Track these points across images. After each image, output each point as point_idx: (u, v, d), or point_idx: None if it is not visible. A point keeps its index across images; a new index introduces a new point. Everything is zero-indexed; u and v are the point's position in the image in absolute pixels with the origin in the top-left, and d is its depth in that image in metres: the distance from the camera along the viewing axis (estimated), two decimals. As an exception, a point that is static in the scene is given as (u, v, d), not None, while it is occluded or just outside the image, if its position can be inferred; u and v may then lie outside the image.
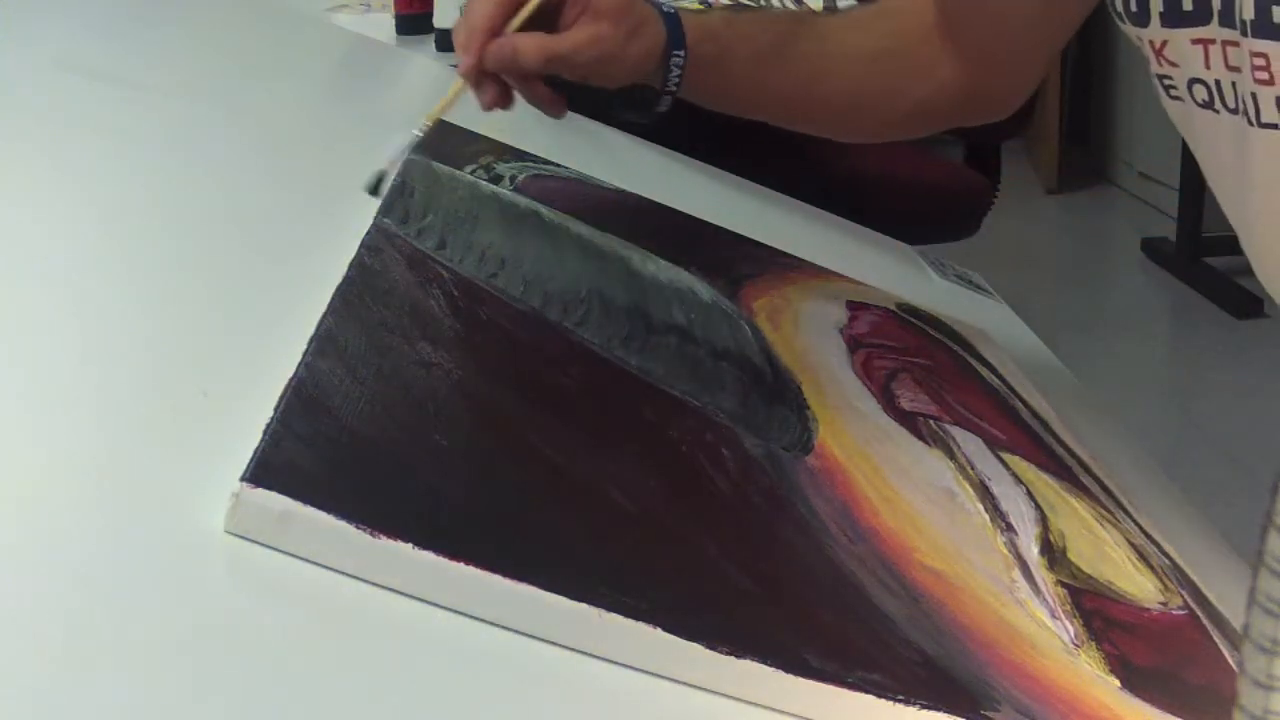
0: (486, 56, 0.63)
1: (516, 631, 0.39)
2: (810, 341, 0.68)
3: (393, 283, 0.55)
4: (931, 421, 0.64)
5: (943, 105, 0.79)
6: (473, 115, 0.73)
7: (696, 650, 0.40)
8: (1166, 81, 0.65)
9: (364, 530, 0.38)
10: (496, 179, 0.72)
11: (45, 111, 0.68)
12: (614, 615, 0.39)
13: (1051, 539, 0.58)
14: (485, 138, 0.80)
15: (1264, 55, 0.57)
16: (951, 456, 0.61)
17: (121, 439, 0.42)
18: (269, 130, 0.77)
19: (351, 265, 0.54)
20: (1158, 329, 3.05)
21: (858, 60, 0.78)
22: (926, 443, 0.62)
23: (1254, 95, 0.60)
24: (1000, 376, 0.77)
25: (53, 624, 0.34)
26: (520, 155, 0.79)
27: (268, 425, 0.40)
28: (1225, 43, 0.60)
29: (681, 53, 0.69)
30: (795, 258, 0.83)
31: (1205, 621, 0.58)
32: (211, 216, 0.61)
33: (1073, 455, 0.70)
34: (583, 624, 0.39)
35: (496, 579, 0.38)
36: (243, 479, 0.38)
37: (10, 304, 0.48)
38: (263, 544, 0.38)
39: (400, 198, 0.63)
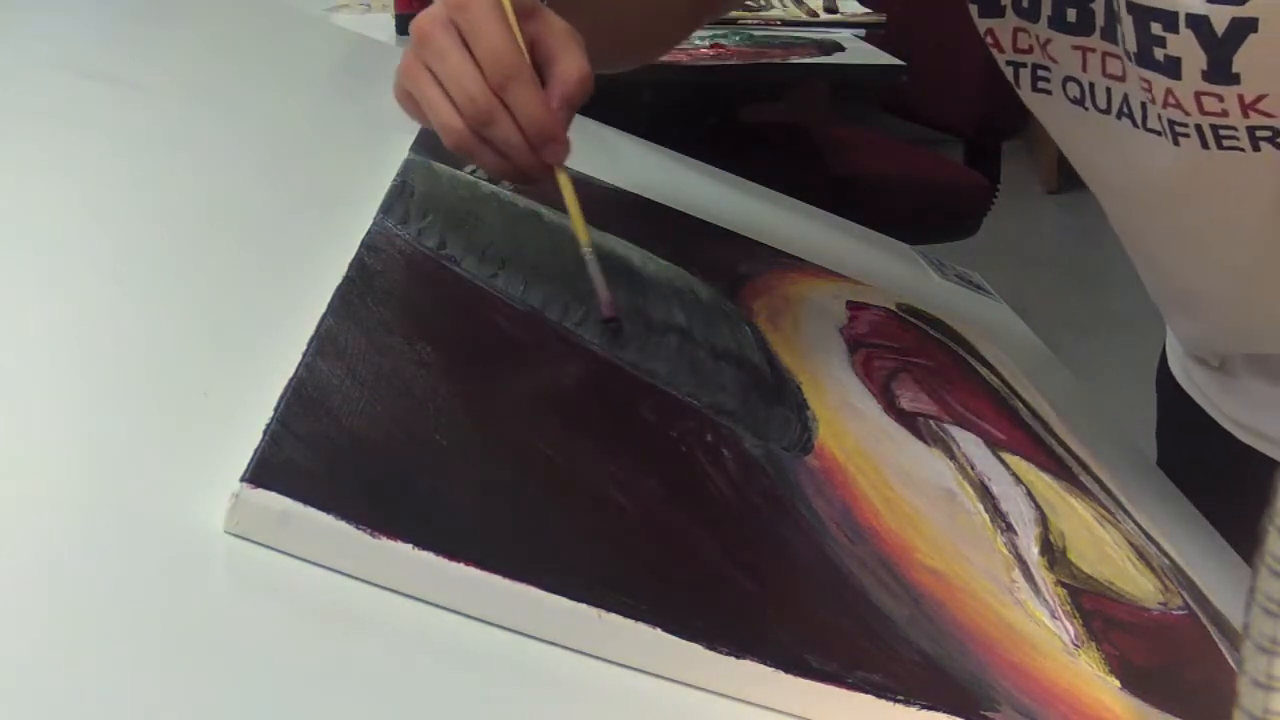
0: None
1: (516, 631, 0.39)
2: (810, 341, 0.68)
3: (393, 283, 0.55)
4: (931, 421, 0.64)
5: None
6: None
7: (696, 650, 0.40)
8: (1040, 73, 0.71)
9: (364, 530, 0.38)
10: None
11: (44, 111, 0.68)
12: (614, 615, 0.39)
13: (1051, 539, 0.58)
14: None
15: (1148, 80, 0.60)
16: (951, 456, 0.61)
17: (122, 439, 0.42)
18: (268, 130, 0.77)
19: (351, 265, 0.54)
20: (1157, 329, 3.05)
21: None
22: (926, 443, 0.62)
23: (1144, 105, 0.64)
24: (1000, 376, 0.77)
25: (51, 624, 0.33)
26: (520, 155, 0.79)
27: (268, 425, 0.40)
28: (1106, 53, 0.64)
29: None
30: (795, 258, 0.83)
31: (1205, 621, 0.58)
32: (211, 216, 0.61)
33: (1073, 455, 0.70)
34: (583, 624, 0.39)
35: (496, 579, 0.38)
36: (243, 479, 0.38)
37: (9, 304, 0.48)
38: (263, 544, 0.38)
39: (400, 198, 0.63)
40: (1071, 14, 0.66)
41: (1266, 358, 0.78)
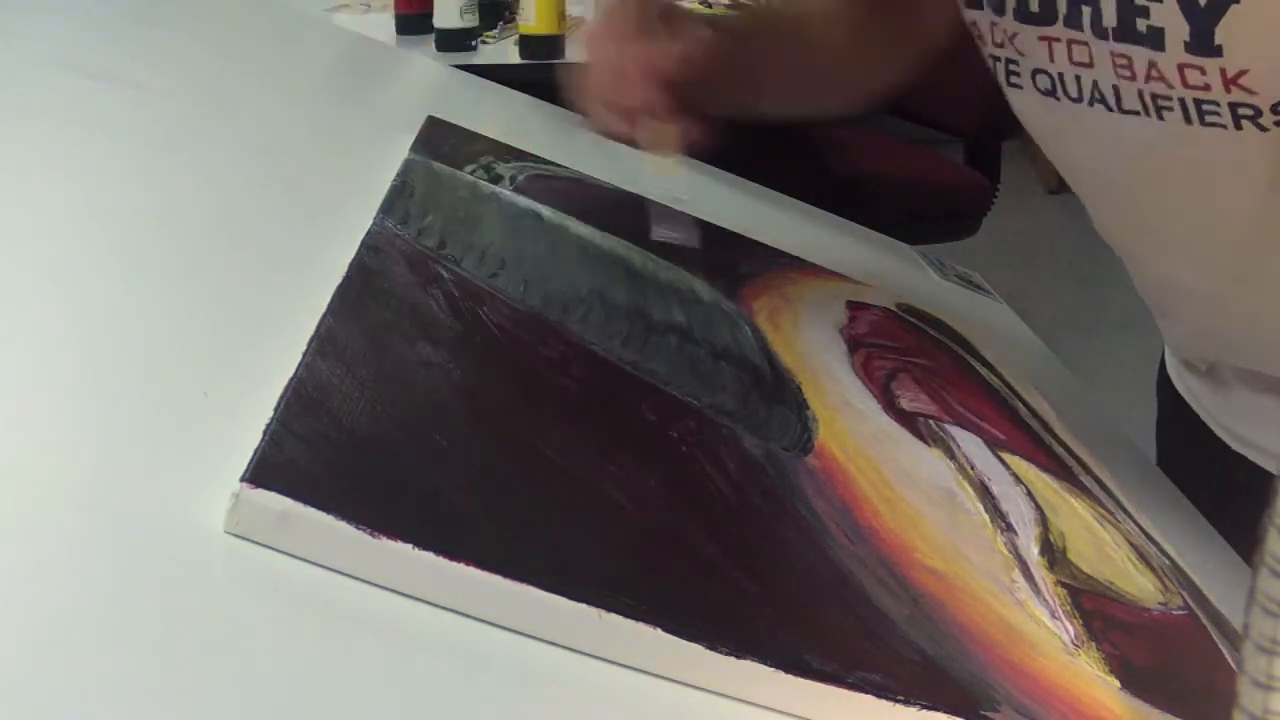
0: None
1: (516, 631, 0.39)
2: (810, 341, 0.68)
3: (393, 283, 0.55)
4: (931, 421, 0.64)
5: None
6: (473, 115, 0.73)
7: (696, 650, 0.40)
8: (1012, 67, 0.72)
9: (364, 530, 0.38)
10: (496, 179, 0.72)
11: (44, 111, 0.68)
12: (614, 615, 0.39)
13: (1051, 539, 0.58)
14: (485, 137, 0.81)
15: (1127, 56, 0.61)
16: (951, 456, 0.61)
17: (121, 439, 0.42)
18: (269, 130, 0.77)
19: (351, 265, 0.54)
20: (1158, 329, 3.05)
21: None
22: (926, 443, 0.62)
23: (1115, 87, 0.65)
24: (1000, 376, 0.77)
25: (51, 624, 0.34)
26: (520, 155, 0.79)
27: (268, 425, 0.40)
28: (1071, 41, 0.65)
29: None
30: (795, 258, 0.83)
31: (1205, 621, 0.58)
32: (211, 216, 0.61)
33: (1073, 455, 0.70)
34: (583, 624, 0.39)
35: (496, 579, 0.38)
36: (243, 479, 0.38)
37: (9, 304, 0.48)
38: (262, 544, 0.38)
39: (400, 198, 0.63)
40: (1034, 3, 0.66)
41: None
